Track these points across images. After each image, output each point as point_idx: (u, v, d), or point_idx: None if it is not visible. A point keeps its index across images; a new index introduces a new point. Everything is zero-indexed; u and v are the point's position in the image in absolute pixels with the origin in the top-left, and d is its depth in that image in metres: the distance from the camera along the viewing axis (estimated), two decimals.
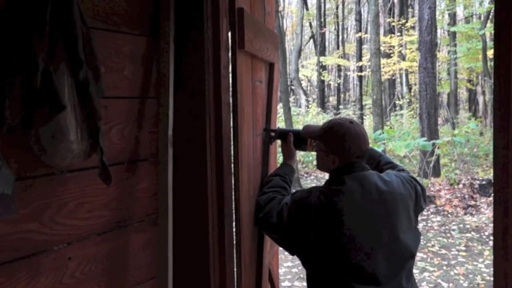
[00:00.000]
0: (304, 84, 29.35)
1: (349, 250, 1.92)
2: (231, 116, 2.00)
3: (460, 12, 23.45)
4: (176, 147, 1.80)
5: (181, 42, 1.82)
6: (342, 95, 28.99)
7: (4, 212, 1.15)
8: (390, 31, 21.39)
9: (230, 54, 1.99)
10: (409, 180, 2.14)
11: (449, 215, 8.58)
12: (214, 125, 1.86)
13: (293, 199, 2.07)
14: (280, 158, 2.72)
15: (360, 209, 1.96)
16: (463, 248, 6.93)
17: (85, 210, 1.49)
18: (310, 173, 13.39)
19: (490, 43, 16.53)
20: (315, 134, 2.20)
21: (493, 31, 1.51)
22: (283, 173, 2.36)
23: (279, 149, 2.67)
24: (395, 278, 1.94)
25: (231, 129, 2.00)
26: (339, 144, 2.06)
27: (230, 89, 1.99)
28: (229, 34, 2.00)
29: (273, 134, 2.58)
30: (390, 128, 15.90)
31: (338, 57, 25.75)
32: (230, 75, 1.99)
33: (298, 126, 14.93)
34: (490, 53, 16.44)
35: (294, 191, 2.18)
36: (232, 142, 2.00)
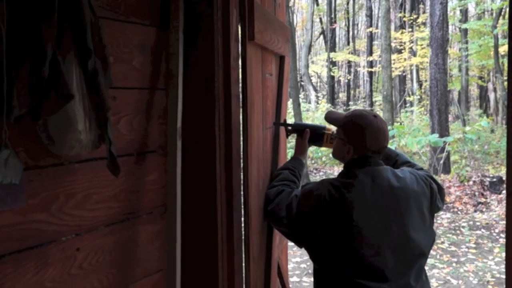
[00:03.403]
0: (314, 80, 29.28)
1: (357, 245, 1.90)
2: (241, 108, 1.99)
3: (472, 9, 23.25)
4: (185, 139, 1.78)
5: (190, 33, 1.80)
6: (352, 91, 28.87)
7: (12, 202, 1.15)
8: (401, 26, 21.28)
9: (240, 45, 1.97)
10: (425, 177, 2.09)
11: (459, 212, 8.53)
12: (224, 117, 1.84)
13: (303, 192, 2.05)
14: (289, 153, 2.70)
15: (370, 203, 1.93)
16: (473, 245, 6.88)
17: (93, 201, 1.48)
18: (319, 169, 13.38)
19: (502, 40, 16.37)
20: (338, 121, 2.17)
21: (505, 29, 1.49)
22: (292, 167, 2.34)
23: (289, 143, 2.65)
24: (403, 276, 1.91)
25: (241, 122, 1.99)
26: (357, 135, 2.03)
27: (240, 81, 1.98)
28: (239, 25, 1.98)
29: (289, 128, 2.55)
30: (400, 124, 15.81)
31: (348, 53, 25.65)
32: (240, 67, 1.98)
33: (308, 122, 14.91)
34: (502, 49, 16.28)
35: (303, 184, 2.16)
36: (241, 135, 1.98)
